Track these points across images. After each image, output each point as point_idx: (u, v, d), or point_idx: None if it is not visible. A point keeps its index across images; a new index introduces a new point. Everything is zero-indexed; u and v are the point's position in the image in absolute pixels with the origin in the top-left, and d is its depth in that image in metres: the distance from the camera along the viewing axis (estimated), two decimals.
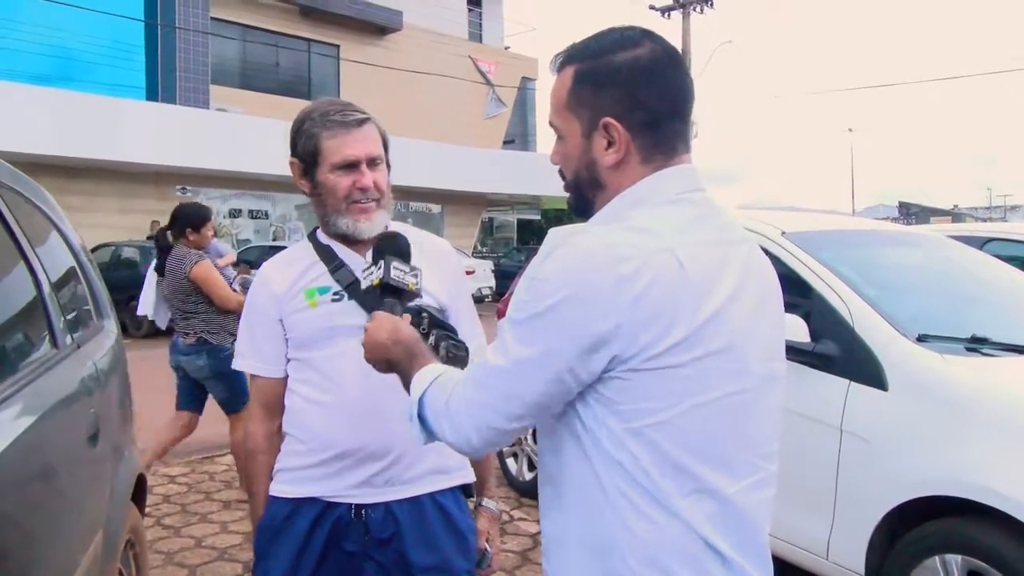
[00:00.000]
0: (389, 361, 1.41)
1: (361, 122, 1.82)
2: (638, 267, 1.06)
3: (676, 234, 1.12)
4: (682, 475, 1.11)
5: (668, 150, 1.20)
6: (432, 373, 1.29)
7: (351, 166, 1.80)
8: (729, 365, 1.13)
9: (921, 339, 2.98)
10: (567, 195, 1.29)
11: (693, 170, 1.22)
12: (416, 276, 1.58)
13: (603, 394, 1.11)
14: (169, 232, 4.92)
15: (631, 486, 1.11)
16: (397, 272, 1.55)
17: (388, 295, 1.54)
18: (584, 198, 1.26)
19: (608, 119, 1.18)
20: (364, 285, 1.60)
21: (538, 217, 32.63)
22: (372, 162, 1.82)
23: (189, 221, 4.80)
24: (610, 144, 1.19)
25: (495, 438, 1.19)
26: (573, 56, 1.23)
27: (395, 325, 1.45)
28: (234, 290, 4.75)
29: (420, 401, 1.27)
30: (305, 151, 1.83)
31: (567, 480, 1.18)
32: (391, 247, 1.63)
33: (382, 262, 1.56)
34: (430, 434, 1.27)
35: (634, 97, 1.17)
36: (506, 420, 1.16)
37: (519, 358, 1.12)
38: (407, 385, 1.33)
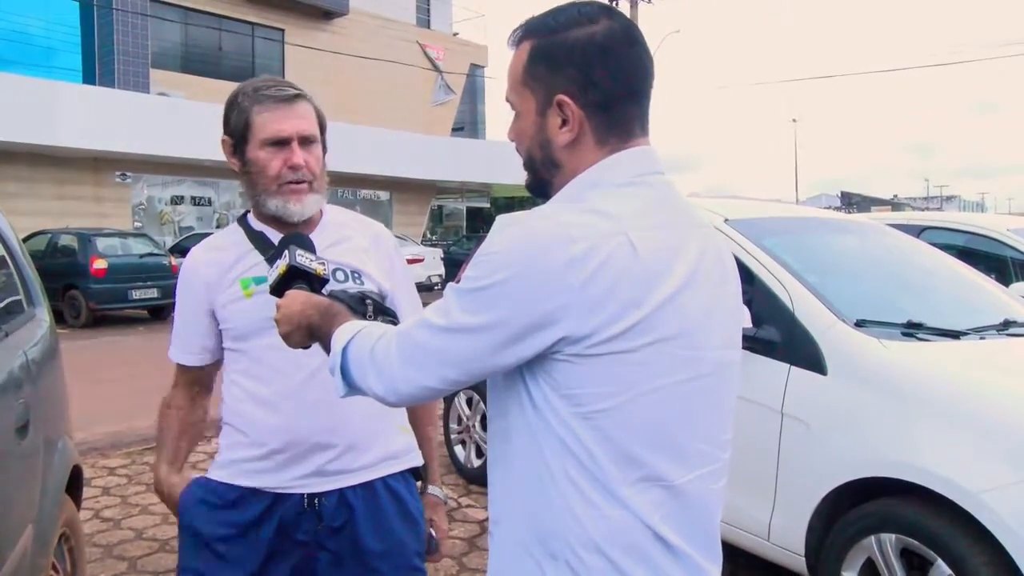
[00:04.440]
0: (307, 326, 1.39)
1: (294, 98, 1.76)
2: (589, 249, 1.05)
3: (631, 217, 1.10)
4: (630, 463, 1.10)
5: (624, 132, 1.17)
6: (354, 327, 1.27)
7: (281, 143, 1.73)
8: (682, 352, 1.11)
9: (859, 324, 3.04)
10: (524, 174, 1.27)
11: (651, 152, 1.20)
12: (323, 263, 1.55)
13: (554, 377, 1.09)
14: None
15: (578, 471, 1.10)
16: (302, 258, 1.53)
17: (296, 282, 1.52)
18: (540, 178, 1.24)
19: (562, 97, 1.16)
20: (271, 280, 1.54)
21: (487, 205, 32.61)
22: (304, 141, 1.75)
23: None
24: (564, 123, 1.17)
25: (422, 394, 1.18)
26: (530, 31, 1.21)
27: (307, 296, 1.44)
28: None
29: (343, 353, 1.25)
30: (236, 126, 1.77)
31: (515, 462, 1.17)
32: (295, 239, 1.61)
33: (285, 252, 1.53)
34: (352, 387, 1.25)
35: (587, 76, 1.15)
36: (437, 380, 1.15)
37: (459, 324, 1.10)
38: (327, 345, 1.31)
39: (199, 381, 1.91)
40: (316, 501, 1.78)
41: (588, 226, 1.07)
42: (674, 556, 1.13)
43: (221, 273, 1.80)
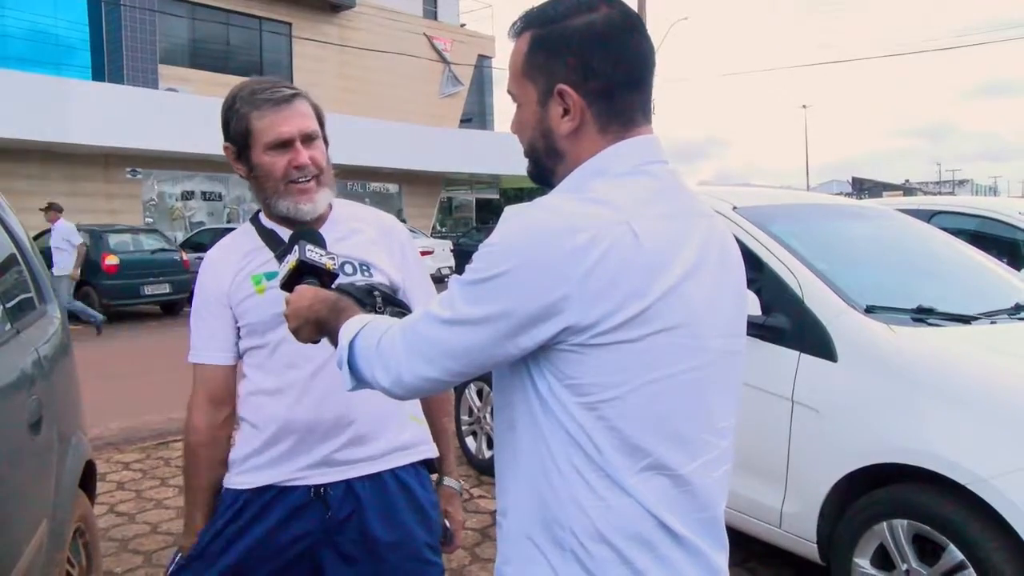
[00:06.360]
0: (315, 321, 1.39)
1: (291, 97, 1.76)
2: (592, 239, 1.05)
3: (634, 207, 1.10)
4: (635, 452, 1.10)
5: (626, 120, 1.17)
6: (360, 321, 1.28)
7: (285, 144, 1.74)
8: (685, 341, 1.11)
9: (869, 310, 3.03)
10: (527, 164, 1.27)
11: (655, 141, 1.20)
12: (333, 259, 1.56)
13: (558, 368, 1.09)
14: None
15: (583, 461, 1.11)
16: (312, 253, 1.53)
17: (306, 277, 1.52)
18: (543, 167, 1.24)
19: (563, 86, 1.15)
20: (282, 275, 1.54)
21: (497, 196, 32.54)
22: (307, 138, 1.76)
23: None
24: (566, 112, 1.17)
25: (427, 386, 1.18)
26: (530, 21, 1.21)
27: (316, 291, 1.44)
28: None
29: (350, 347, 1.25)
30: (237, 133, 1.77)
31: (521, 452, 1.17)
32: (305, 235, 1.61)
33: (296, 247, 1.54)
34: (360, 380, 1.26)
35: (587, 64, 1.14)
36: (440, 372, 1.15)
37: (463, 316, 1.10)
38: (335, 340, 1.31)
39: (222, 392, 1.84)
40: (322, 490, 1.79)
41: (591, 216, 1.07)
42: (680, 545, 1.13)
43: (235, 272, 1.82)
